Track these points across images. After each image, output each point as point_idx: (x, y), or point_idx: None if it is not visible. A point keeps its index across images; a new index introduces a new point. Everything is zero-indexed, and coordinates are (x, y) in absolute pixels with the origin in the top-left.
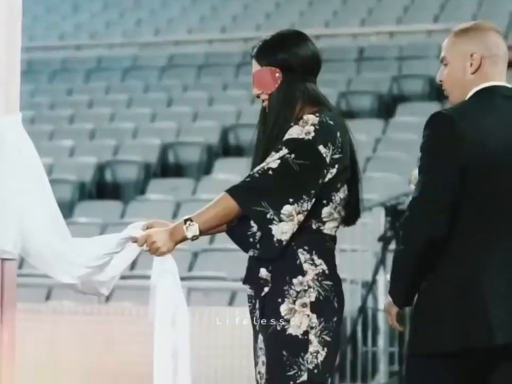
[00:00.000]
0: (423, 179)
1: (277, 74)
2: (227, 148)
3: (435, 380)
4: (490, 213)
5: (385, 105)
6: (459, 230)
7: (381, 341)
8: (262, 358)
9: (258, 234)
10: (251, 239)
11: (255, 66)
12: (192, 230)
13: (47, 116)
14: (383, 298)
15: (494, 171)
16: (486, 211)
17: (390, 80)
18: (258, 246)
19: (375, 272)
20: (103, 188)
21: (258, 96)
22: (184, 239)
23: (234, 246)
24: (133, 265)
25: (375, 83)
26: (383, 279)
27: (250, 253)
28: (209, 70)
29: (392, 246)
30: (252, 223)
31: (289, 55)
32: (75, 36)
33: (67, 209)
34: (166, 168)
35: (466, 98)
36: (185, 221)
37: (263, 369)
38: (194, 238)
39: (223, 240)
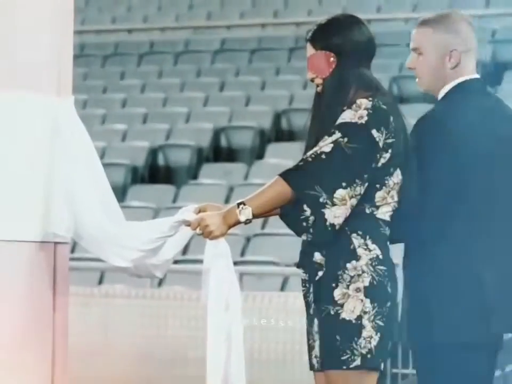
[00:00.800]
0: None
1: (331, 59)
2: (279, 133)
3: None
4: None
5: None
6: (460, 223)
7: None
8: (317, 342)
9: (312, 218)
10: (304, 223)
11: (310, 50)
12: (246, 213)
13: (99, 99)
14: None
15: (487, 169)
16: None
17: None
18: (311, 230)
19: None
20: (155, 172)
21: (312, 80)
22: (238, 222)
23: (287, 230)
24: (185, 249)
25: None
26: None
27: (304, 237)
28: (261, 54)
29: None
30: (305, 207)
31: (344, 40)
32: (128, 19)
33: (120, 193)
34: (219, 152)
35: (445, 92)
36: (239, 204)
37: (318, 353)
38: (247, 221)
39: (275, 225)
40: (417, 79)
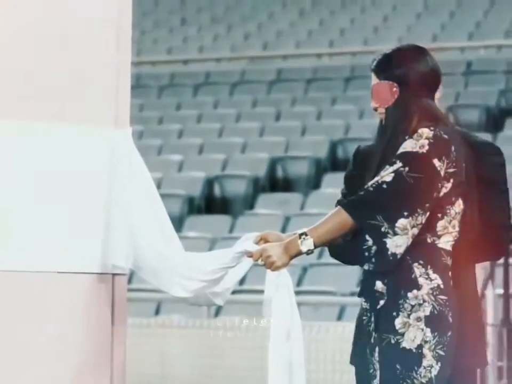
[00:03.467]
0: None
1: (394, 89)
2: (335, 162)
3: None
4: None
5: (493, 118)
6: None
7: (489, 355)
8: (378, 371)
9: (374, 248)
10: (366, 253)
11: (374, 79)
12: (307, 244)
13: (155, 130)
14: (491, 312)
15: None
16: None
17: (498, 93)
18: (373, 259)
19: (484, 287)
20: (212, 202)
21: (376, 109)
22: (299, 253)
23: None
24: (242, 279)
25: (483, 96)
26: (491, 293)
27: (366, 266)
28: (317, 84)
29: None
30: (367, 237)
31: (407, 71)
32: (183, 50)
33: (176, 224)
34: (275, 182)
35: None
36: (300, 235)
37: (378, 382)
38: (309, 252)
39: None
40: None
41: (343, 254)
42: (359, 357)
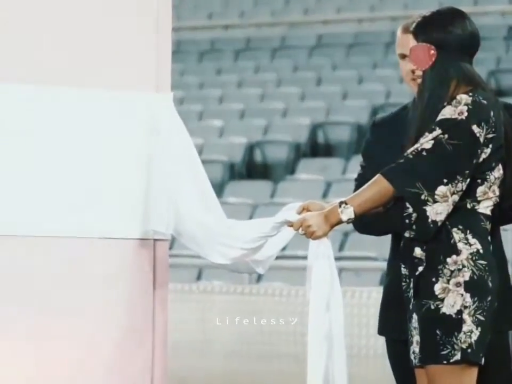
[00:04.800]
0: None
1: (432, 52)
2: None
3: None
4: None
5: None
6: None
7: None
8: (416, 338)
9: (414, 215)
10: (407, 221)
11: (412, 41)
12: (347, 212)
13: (196, 96)
14: None
15: None
16: None
17: None
18: (414, 227)
19: None
20: (253, 168)
21: (413, 72)
22: (340, 222)
23: None
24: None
25: None
26: None
27: (406, 234)
28: (358, 49)
29: None
30: (407, 204)
31: (445, 34)
32: (223, 15)
33: (217, 190)
34: (316, 147)
35: None
36: (340, 203)
37: (417, 348)
38: (349, 221)
39: None
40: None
41: (377, 223)
42: (391, 324)
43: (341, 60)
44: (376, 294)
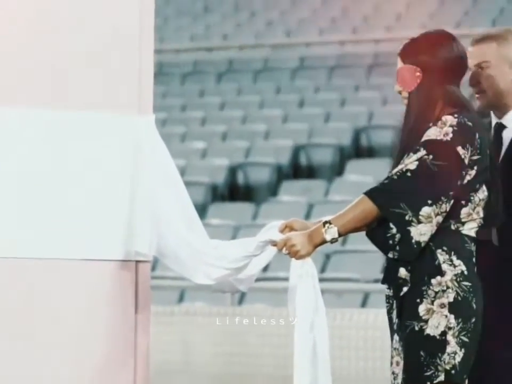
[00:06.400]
0: None
1: (418, 73)
2: (359, 149)
3: None
4: None
5: None
6: None
7: None
8: (396, 359)
9: (398, 236)
10: (390, 241)
11: (399, 63)
12: (331, 232)
13: (178, 118)
14: None
15: None
16: None
17: None
18: (397, 247)
19: None
20: (235, 190)
21: (400, 93)
22: (323, 242)
23: (366, 247)
24: (266, 267)
25: None
26: None
27: (390, 255)
28: (340, 71)
29: None
30: (391, 225)
31: (431, 56)
32: (206, 37)
33: (200, 211)
34: (298, 169)
35: None
36: (324, 223)
37: (396, 369)
38: (333, 240)
39: (356, 242)
40: (477, 95)
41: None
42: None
43: (323, 82)
44: (358, 316)
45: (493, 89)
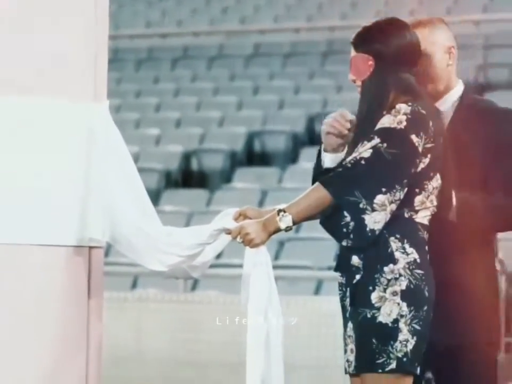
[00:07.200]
0: None
1: (370, 62)
2: (313, 137)
3: None
4: None
5: None
6: None
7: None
8: (351, 346)
9: (352, 224)
10: (344, 229)
11: (352, 52)
12: (286, 221)
13: (133, 104)
14: None
15: None
16: None
17: None
18: (351, 235)
19: None
20: (189, 176)
21: (354, 81)
22: (278, 230)
23: (320, 234)
24: (218, 254)
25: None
26: None
27: (344, 243)
28: (295, 58)
29: None
30: (345, 213)
31: (383, 45)
32: (161, 24)
33: (153, 198)
34: (252, 156)
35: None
36: (278, 212)
37: (351, 357)
38: (288, 228)
39: (309, 229)
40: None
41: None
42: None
43: (277, 69)
44: (311, 303)
45: (428, 75)
